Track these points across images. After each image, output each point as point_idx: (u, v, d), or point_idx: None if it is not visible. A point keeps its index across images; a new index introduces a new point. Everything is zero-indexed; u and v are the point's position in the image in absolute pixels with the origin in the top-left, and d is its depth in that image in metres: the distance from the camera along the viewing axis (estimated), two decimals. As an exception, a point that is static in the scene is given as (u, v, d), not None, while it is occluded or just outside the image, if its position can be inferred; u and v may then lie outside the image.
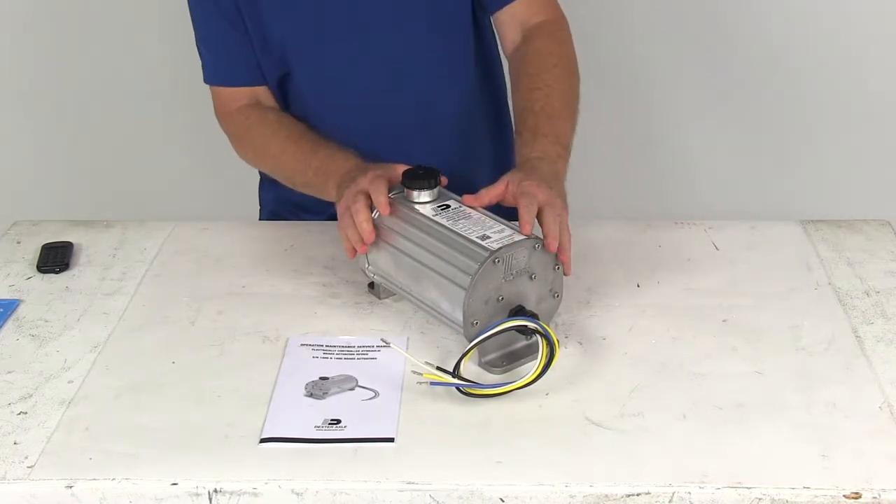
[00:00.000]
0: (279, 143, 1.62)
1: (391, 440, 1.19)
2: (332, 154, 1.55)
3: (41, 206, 2.56)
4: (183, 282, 1.52)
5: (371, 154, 1.54)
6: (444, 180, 1.42)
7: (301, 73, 1.65)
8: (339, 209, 1.42)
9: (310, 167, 1.56)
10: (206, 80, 1.70)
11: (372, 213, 1.39)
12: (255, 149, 1.67)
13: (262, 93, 1.68)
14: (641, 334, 1.37)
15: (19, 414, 1.24)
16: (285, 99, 1.69)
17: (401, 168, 1.42)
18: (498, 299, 1.28)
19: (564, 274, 1.33)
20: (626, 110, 2.52)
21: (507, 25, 1.66)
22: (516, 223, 1.32)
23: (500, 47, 1.72)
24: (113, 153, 2.65)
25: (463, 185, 1.44)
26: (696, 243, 1.59)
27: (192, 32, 1.67)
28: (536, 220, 1.32)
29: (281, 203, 1.80)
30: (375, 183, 1.40)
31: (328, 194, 1.52)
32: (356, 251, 1.40)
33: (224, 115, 1.70)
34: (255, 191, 1.88)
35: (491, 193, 1.38)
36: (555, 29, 1.64)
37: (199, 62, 1.68)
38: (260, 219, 1.87)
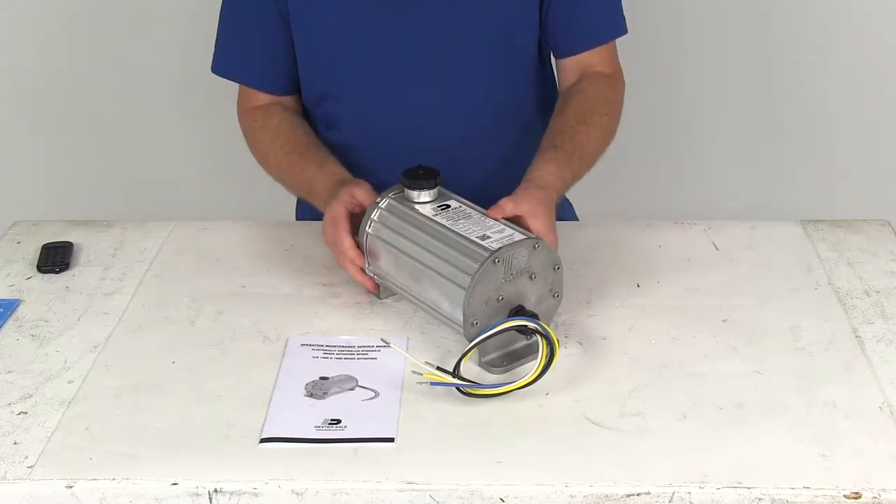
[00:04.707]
0: (275, 154, 1.64)
1: (391, 440, 1.19)
2: (314, 177, 1.56)
3: (41, 206, 2.56)
4: (183, 282, 1.52)
5: None
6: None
7: (354, 88, 1.64)
8: (327, 243, 1.46)
9: (301, 184, 1.59)
10: (213, 69, 1.69)
11: (367, 225, 1.40)
12: (258, 153, 1.68)
13: (285, 98, 1.69)
14: (641, 334, 1.37)
15: (19, 414, 1.24)
16: (327, 113, 1.68)
17: (364, 183, 1.46)
18: (498, 299, 1.28)
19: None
20: (625, 111, 2.52)
21: (570, 70, 1.67)
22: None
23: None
24: (113, 153, 2.65)
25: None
26: (696, 243, 1.59)
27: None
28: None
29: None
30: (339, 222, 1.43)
31: (320, 209, 1.53)
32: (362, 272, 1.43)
33: (240, 112, 1.72)
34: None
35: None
36: (615, 82, 1.67)
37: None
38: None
